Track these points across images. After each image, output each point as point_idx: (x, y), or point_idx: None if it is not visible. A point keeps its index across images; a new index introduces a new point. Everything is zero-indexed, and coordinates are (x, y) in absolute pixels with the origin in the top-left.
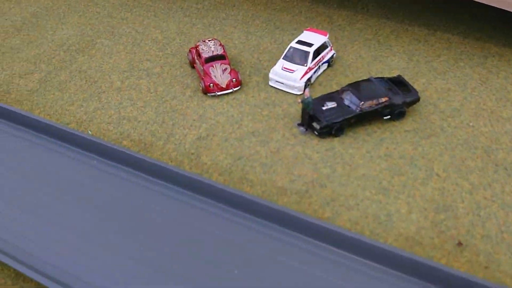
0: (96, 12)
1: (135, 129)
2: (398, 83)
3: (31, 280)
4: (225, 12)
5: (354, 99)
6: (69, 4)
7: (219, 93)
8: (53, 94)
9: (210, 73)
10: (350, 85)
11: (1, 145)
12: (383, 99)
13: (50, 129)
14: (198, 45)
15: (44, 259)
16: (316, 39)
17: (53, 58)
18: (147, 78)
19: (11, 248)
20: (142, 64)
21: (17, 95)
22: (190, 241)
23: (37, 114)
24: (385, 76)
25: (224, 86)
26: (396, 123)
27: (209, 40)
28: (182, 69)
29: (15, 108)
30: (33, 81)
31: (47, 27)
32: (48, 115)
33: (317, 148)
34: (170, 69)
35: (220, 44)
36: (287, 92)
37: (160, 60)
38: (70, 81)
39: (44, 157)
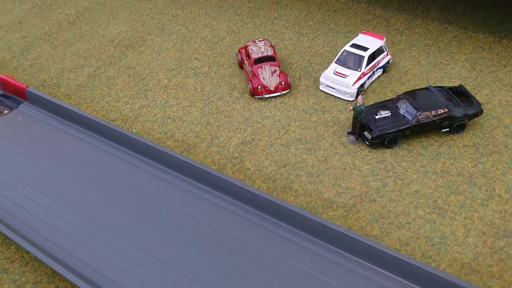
0: (148, 8)
1: (179, 129)
2: (459, 94)
3: (67, 280)
4: (277, 12)
5: (411, 108)
6: None
7: (266, 96)
8: (101, 89)
9: (259, 75)
10: (406, 93)
11: (46, 138)
12: (442, 111)
13: (95, 125)
14: (248, 45)
15: (81, 259)
16: (372, 43)
17: (103, 53)
18: (195, 77)
19: (50, 246)
20: (190, 62)
21: (66, 89)
22: (227, 249)
23: (84, 109)
24: (445, 85)
25: (272, 89)
26: (455, 137)
27: (259, 41)
28: (230, 69)
29: (63, 102)
30: (83, 76)
31: (100, 22)
32: (95, 110)
33: (367, 159)
34: (218, 68)
35: (271, 45)
36: (338, 97)
37: (208, 59)
38: (118, 77)
39: (89, 153)
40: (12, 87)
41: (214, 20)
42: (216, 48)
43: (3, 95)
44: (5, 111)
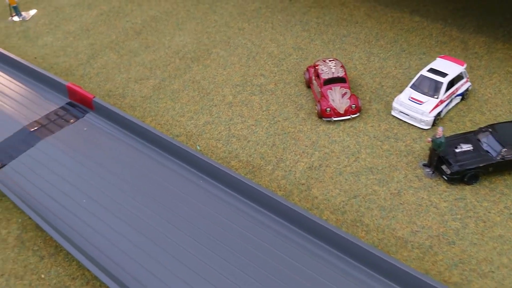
0: (214, 20)
1: (244, 149)
2: None
3: None
4: (347, 29)
5: (495, 143)
6: (188, 10)
7: (335, 119)
8: (165, 103)
9: (328, 96)
10: (490, 126)
11: (110, 150)
12: None
13: (159, 140)
14: (318, 65)
15: (140, 280)
16: (451, 68)
17: (168, 65)
18: (260, 95)
19: (109, 263)
20: (255, 79)
21: (131, 100)
22: (283, 279)
23: (148, 123)
24: None
25: (342, 112)
26: None
27: (330, 60)
28: (296, 88)
29: (128, 115)
30: (148, 87)
31: (165, 32)
32: (159, 124)
33: (445, 196)
34: (285, 87)
35: (342, 66)
36: (412, 125)
37: (274, 76)
38: (183, 91)
39: (152, 168)
40: (79, 96)
41: (280, 35)
42: (282, 64)
43: (70, 104)
44: (71, 120)
